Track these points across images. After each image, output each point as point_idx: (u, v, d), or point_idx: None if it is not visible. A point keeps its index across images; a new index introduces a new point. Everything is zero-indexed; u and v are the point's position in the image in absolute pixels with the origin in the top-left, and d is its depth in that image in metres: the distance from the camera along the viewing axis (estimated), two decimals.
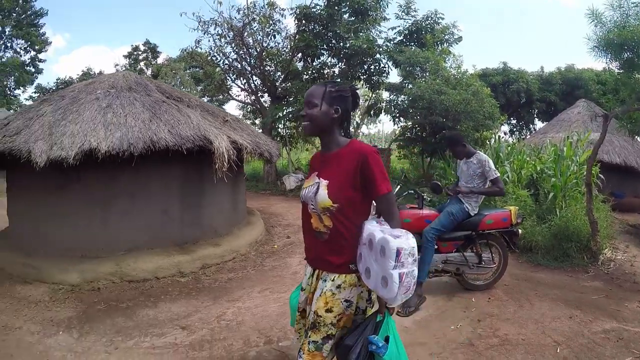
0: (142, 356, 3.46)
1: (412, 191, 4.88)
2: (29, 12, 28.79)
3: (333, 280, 1.91)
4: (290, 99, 14.20)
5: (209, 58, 15.04)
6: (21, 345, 3.74)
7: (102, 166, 4.98)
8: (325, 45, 13.55)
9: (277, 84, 14.88)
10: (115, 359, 3.44)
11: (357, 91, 2.06)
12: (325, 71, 14.15)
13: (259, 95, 15.55)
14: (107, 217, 5.49)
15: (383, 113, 13.85)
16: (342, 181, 1.86)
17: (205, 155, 5.52)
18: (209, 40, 15.18)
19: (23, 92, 30.31)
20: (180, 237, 5.64)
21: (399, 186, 5.23)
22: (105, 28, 58.11)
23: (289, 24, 36.20)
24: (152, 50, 29.82)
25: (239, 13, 14.62)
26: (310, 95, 1.96)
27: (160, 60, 29.40)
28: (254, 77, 15.13)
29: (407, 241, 1.69)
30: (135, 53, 29.77)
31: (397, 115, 12.84)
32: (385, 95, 14.01)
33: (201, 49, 14.73)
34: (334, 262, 1.92)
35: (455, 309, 4.18)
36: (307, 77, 14.03)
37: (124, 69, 28.22)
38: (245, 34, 14.01)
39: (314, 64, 14.12)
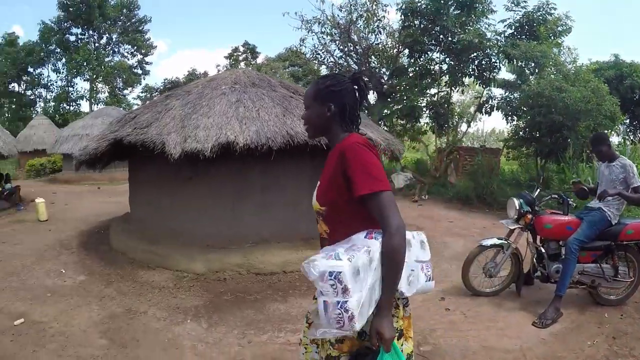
0: (278, 352, 3.31)
1: (556, 196, 4.51)
2: (133, 20, 31.78)
3: None
4: (397, 96, 13.79)
5: (314, 56, 15.16)
6: (148, 331, 3.70)
7: (230, 159, 4.92)
8: (433, 41, 12.91)
9: (382, 80, 14.48)
10: (250, 353, 3.28)
11: (360, 79, 1.77)
12: (432, 67, 13.52)
13: None
14: (236, 209, 5.49)
15: (496, 110, 12.93)
16: (326, 183, 1.66)
17: None
18: (312, 39, 15.25)
19: (130, 92, 33.56)
20: (307, 231, 5.52)
21: (538, 190, 4.71)
22: (203, 33, 62.26)
23: (391, 19, 35.96)
24: (252, 50, 30.89)
25: (341, 11, 14.55)
26: (304, 97, 1.82)
27: (259, 61, 30.64)
28: None
29: (335, 263, 1.37)
30: (235, 54, 30.87)
31: (510, 113, 11.88)
32: (496, 92, 13.22)
33: (305, 47, 14.88)
34: None
35: (590, 324, 3.89)
36: (414, 73, 13.50)
37: (225, 69, 29.52)
38: (351, 31, 13.83)
39: (421, 60, 13.55)
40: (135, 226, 6.45)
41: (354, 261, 1.37)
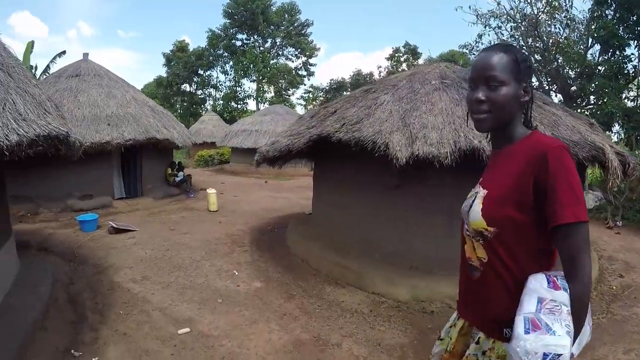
0: None
1: None
2: (295, 24, 33.40)
3: (478, 343, 1.37)
4: (585, 101, 11.88)
5: None
6: None
7: (443, 167, 3.98)
8: (630, 34, 10.69)
9: (569, 82, 12.52)
10: None
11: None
12: (630, 66, 11.25)
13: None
14: (450, 228, 4.61)
15: None
16: (504, 193, 1.26)
17: None
18: (488, 35, 13.90)
19: (293, 93, 35.50)
20: None
21: None
22: (358, 36, 63.64)
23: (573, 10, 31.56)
24: (413, 51, 30.45)
25: (524, 1, 12.92)
26: (488, 67, 1.29)
27: (420, 61, 29.73)
28: (542, 73, 13.12)
29: (552, 341, 1.06)
30: (396, 55, 30.57)
31: None
32: None
33: (482, 44, 13.55)
34: (483, 315, 1.37)
35: None
36: (607, 72, 11.35)
37: (386, 70, 29.70)
38: (538, 24, 12.23)
39: (615, 57, 11.35)
40: (318, 231, 5.98)
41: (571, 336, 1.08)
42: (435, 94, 4.64)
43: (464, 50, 14.48)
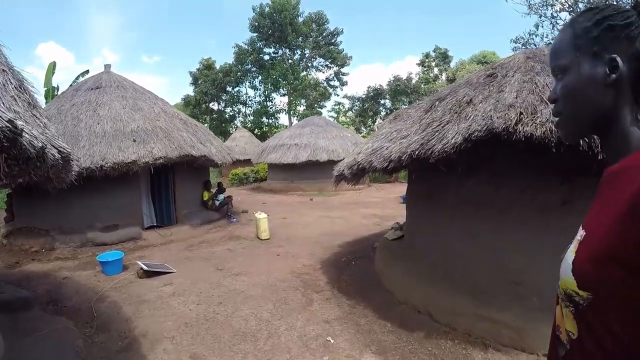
0: None
1: None
2: (324, 34, 32.02)
3: None
4: None
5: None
6: None
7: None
8: None
9: None
10: None
11: None
12: None
13: None
14: None
15: None
16: (603, 240, 0.75)
17: None
18: (542, 26, 12.37)
19: (324, 105, 34.13)
20: None
21: None
22: (379, 48, 62.60)
23: None
24: (443, 55, 28.87)
25: None
26: (552, 55, 0.91)
27: (452, 65, 28.23)
28: None
29: None
30: (427, 60, 29.46)
31: None
32: None
33: (536, 36, 12.18)
34: None
35: None
36: None
37: (417, 77, 28.38)
38: None
39: None
40: (428, 267, 4.22)
41: None
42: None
43: (516, 44, 12.84)
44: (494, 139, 2.89)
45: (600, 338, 0.78)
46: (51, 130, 2.24)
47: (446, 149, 3.01)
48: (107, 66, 9.94)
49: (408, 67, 70.20)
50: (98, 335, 3.68)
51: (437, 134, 3.24)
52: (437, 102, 3.98)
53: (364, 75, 57.62)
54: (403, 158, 3.39)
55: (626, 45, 0.79)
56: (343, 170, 4.41)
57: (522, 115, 2.81)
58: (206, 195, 9.47)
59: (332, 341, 3.40)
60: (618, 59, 0.79)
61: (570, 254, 0.85)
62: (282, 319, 3.86)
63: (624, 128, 0.82)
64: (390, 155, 3.57)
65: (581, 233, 0.85)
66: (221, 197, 9.72)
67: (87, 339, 3.60)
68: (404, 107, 10.90)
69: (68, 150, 2.31)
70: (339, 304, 4.19)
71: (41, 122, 2.16)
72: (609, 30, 0.82)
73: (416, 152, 3.28)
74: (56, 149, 2.15)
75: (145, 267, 5.27)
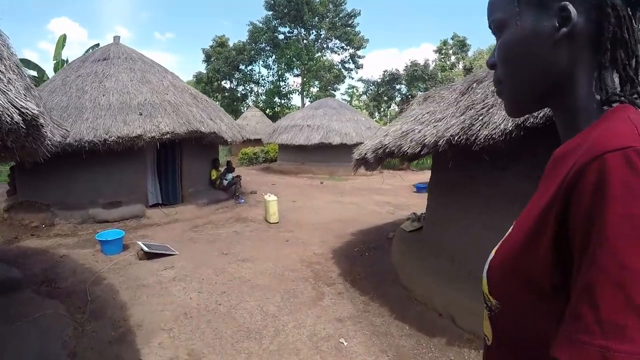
0: None
1: None
2: (341, 15, 31.12)
3: None
4: None
5: None
6: None
7: None
8: None
9: None
10: None
11: None
12: None
13: None
14: None
15: None
16: (517, 244, 0.64)
17: None
18: None
19: (338, 88, 33.40)
20: None
21: None
22: (394, 33, 61.51)
23: None
24: (461, 43, 28.02)
25: None
26: (489, 7, 0.74)
27: (470, 54, 27.40)
28: None
29: None
30: (444, 47, 28.65)
31: None
32: None
33: None
34: None
35: None
36: None
37: (433, 64, 27.65)
38: None
39: None
40: (453, 265, 3.75)
41: None
42: None
43: None
44: (548, 128, 2.48)
45: (506, 344, 0.70)
46: (17, 87, 1.85)
47: (494, 136, 2.59)
48: (116, 37, 9.54)
49: (423, 54, 68.87)
50: (90, 322, 3.38)
51: (481, 117, 2.81)
52: (474, 84, 3.54)
53: (377, 60, 56.59)
54: (440, 143, 2.98)
55: None
56: (366, 154, 4.01)
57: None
58: (214, 174, 9.14)
59: (345, 344, 3.06)
60: (570, 7, 0.61)
61: (492, 252, 0.74)
62: (290, 314, 3.53)
63: (579, 96, 0.65)
64: (424, 140, 3.16)
65: (510, 230, 0.72)
66: (230, 176, 9.39)
67: (77, 326, 3.30)
68: (420, 93, 10.21)
69: (34, 112, 1.90)
70: (352, 300, 3.84)
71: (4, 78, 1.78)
72: None
73: (456, 138, 2.86)
74: (17, 109, 1.76)
75: (146, 249, 4.96)
